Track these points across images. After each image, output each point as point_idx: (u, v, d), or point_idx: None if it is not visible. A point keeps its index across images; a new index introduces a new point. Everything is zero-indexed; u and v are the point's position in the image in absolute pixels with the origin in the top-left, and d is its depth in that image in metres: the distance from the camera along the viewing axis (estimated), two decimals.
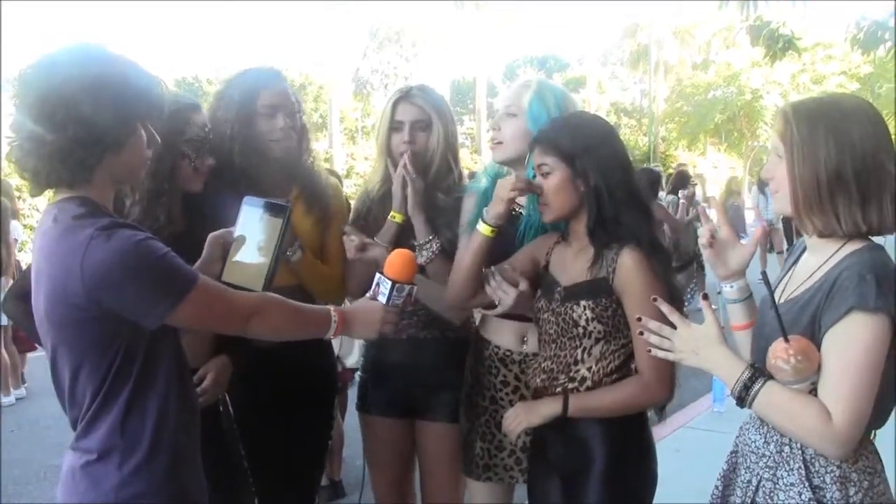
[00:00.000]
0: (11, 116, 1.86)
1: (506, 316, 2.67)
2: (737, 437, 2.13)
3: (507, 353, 2.79)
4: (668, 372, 2.34)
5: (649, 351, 2.06)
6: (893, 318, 1.76)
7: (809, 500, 1.87)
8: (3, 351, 7.57)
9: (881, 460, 1.95)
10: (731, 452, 2.14)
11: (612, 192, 2.36)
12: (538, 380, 2.48)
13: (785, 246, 13.73)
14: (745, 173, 37.32)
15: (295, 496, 3.01)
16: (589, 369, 2.38)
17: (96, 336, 1.84)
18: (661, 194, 10.63)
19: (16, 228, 8.47)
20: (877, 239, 1.92)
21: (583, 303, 2.37)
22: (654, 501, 2.47)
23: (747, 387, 1.86)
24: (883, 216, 1.86)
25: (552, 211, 2.45)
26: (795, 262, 2.09)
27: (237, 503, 2.78)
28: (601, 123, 2.56)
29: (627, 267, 2.33)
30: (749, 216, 15.79)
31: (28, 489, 5.52)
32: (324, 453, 3.12)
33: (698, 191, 14.53)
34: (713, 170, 36.92)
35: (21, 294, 2.48)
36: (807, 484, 1.88)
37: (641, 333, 2.06)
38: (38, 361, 7.74)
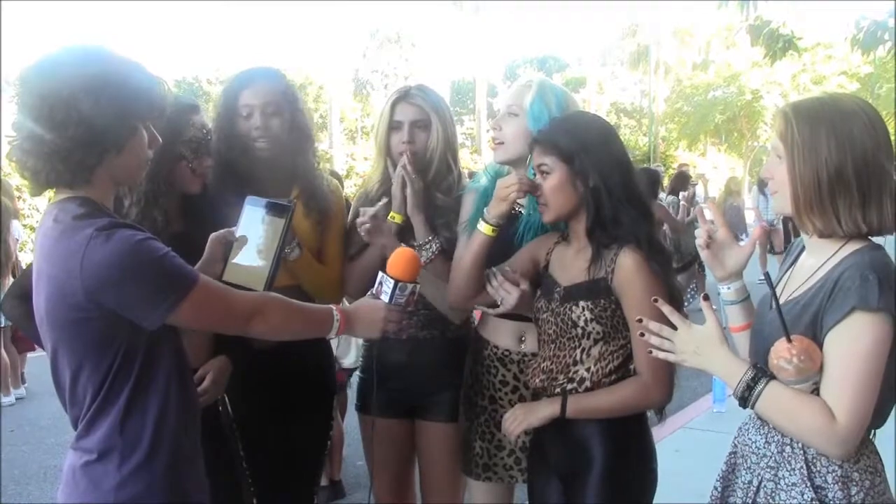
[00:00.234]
0: (13, 116, 1.86)
1: (504, 316, 2.68)
2: (735, 437, 2.13)
3: (506, 353, 2.80)
4: (667, 373, 2.34)
5: (650, 352, 2.05)
6: (895, 318, 1.76)
7: (812, 500, 1.86)
8: (3, 351, 7.57)
9: (881, 459, 1.95)
10: (730, 453, 2.13)
11: (611, 192, 2.36)
12: (537, 380, 2.48)
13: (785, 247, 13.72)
14: (745, 173, 37.32)
15: (294, 496, 3.00)
16: (588, 370, 2.38)
17: (96, 336, 1.84)
18: (662, 195, 10.63)
19: (16, 228, 8.46)
20: (876, 239, 1.92)
21: (581, 303, 2.37)
22: (654, 502, 2.47)
23: (750, 387, 1.86)
24: (883, 216, 1.86)
25: (551, 211, 2.45)
26: (794, 262, 2.09)
27: (236, 503, 2.78)
28: (601, 123, 2.56)
29: (626, 267, 2.33)
30: (749, 216, 15.78)
31: (28, 489, 5.52)
32: (323, 453, 3.11)
33: (700, 191, 14.50)
34: (713, 170, 36.89)
35: (20, 294, 2.48)
36: (809, 484, 1.87)
37: (642, 335, 2.05)
38: (37, 361, 7.75)
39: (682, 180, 11.43)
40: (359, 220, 2.76)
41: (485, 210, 2.56)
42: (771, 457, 1.96)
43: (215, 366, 2.65)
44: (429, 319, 2.94)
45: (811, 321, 1.84)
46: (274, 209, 2.34)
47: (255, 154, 2.86)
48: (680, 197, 9.79)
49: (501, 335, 2.80)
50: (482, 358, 2.85)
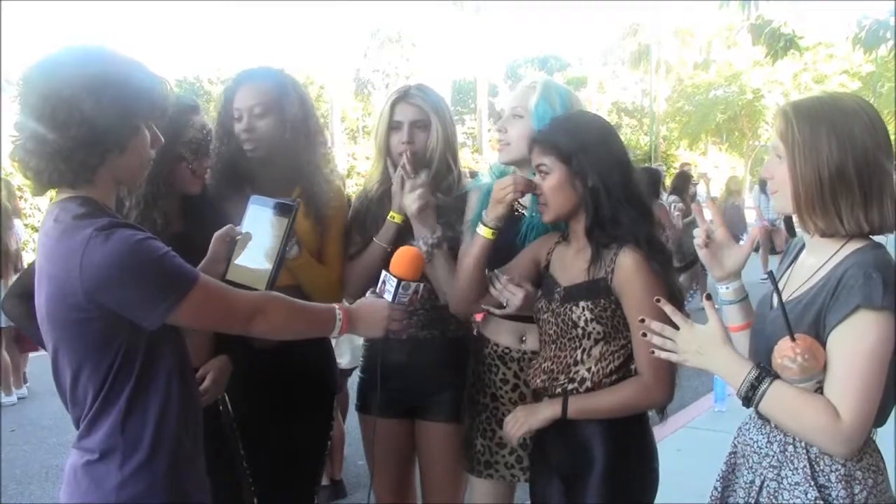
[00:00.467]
0: (15, 116, 1.86)
1: (506, 316, 2.68)
2: (735, 437, 2.13)
3: (506, 351, 2.80)
4: (668, 373, 2.33)
5: (652, 352, 2.04)
6: None
7: (815, 499, 1.86)
8: (3, 351, 7.57)
9: (883, 458, 1.95)
10: (730, 453, 2.13)
11: (610, 192, 2.35)
12: (538, 380, 2.48)
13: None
14: (746, 173, 37.33)
15: (295, 496, 3.00)
16: (588, 370, 2.38)
17: (96, 336, 1.83)
18: (663, 194, 10.62)
19: (18, 228, 8.47)
20: (877, 238, 1.92)
21: (581, 303, 2.37)
22: (656, 501, 2.46)
23: (754, 386, 1.85)
24: (884, 215, 1.86)
25: (551, 210, 2.45)
26: (793, 261, 2.09)
27: (236, 503, 2.78)
28: (600, 123, 2.55)
29: (626, 267, 2.33)
30: (751, 216, 15.77)
31: (30, 488, 5.52)
32: (324, 453, 3.11)
33: (701, 190, 14.49)
34: (714, 169, 36.88)
35: (20, 294, 2.48)
36: (812, 483, 1.87)
37: (644, 335, 2.05)
38: (39, 361, 7.75)
39: (683, 180, 11.42)
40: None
41: (483, 213, 2.57)
42: (773, 456, 1.96)
43: (215, 365, 2.65)
44: (429, 319, 2.94)
45: (814, 320, 1.84)
46: (278, 208, 2.34)
47: (250, 155, 2.87)
48: (673, 207, 9.74)
49: (502, 334, 2.80)
50: (483, 356, 2.85)
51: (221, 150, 2.89)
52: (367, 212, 3.01)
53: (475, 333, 2.97)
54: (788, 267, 2.10)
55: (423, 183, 2.79)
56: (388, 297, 2.23)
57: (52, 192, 1.95)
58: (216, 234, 2.33)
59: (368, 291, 2.41)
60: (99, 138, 1.83)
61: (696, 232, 2.20)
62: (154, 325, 1.83)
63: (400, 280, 2.22)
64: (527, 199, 2.68)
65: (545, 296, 2.50)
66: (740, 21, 10.91)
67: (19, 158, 1.86)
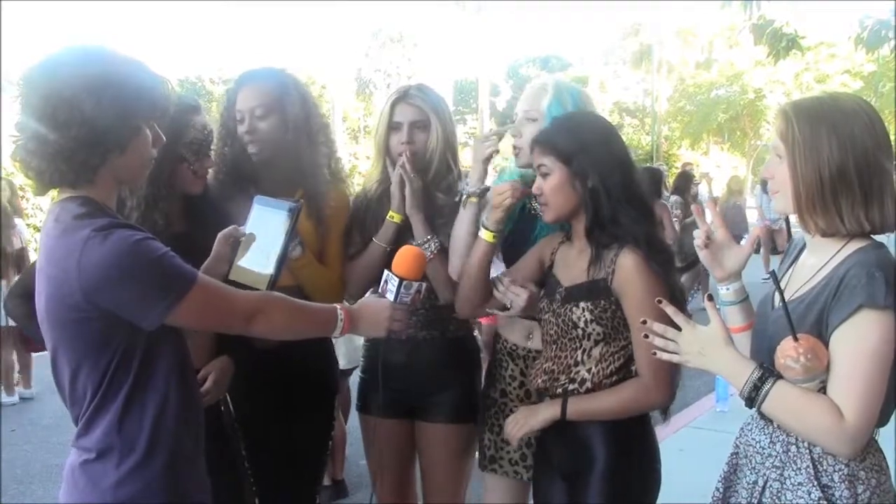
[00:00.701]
0: (16, 116, 1.86)
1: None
2: (737, 438, 2.12)
3: (514, 348, 2.83)
4: (668, 374, 2.33)
5: (654, 353, 2.04)
6: None
7: (819, 499, 1.86)
8: (3, 351, 7.57)
9: (886, 458, 1.94)
10: (732, 454, 2.13)
11: (610, 192, 2.35)
12: (540, 380, 2.48)
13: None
14: (748, 172, 37.32)
15: (296, 496, 3.00)
16: (589, 371, 2.37)
17: (94, 336, 1.83)
18: (665, 193, 10.61)
19: (21, 227, 8.46)
20: (878, 237, 1.92)
21: (582, 304, 2.37)
22: (658, 501, 2.46)
23: (757, 387, 1.85)
24: (885, 214, 1.86)
25: (551, 211, 2.45)
26: (794, 261, 2.09)
27: (238, 503, 2.78)
28: (601, 123, 2.54)
29: (626, 268, 2.32)
30: (752, 215, 15.77)
31: (32, 488, 5.52)
32: (325, 453, 3.11)
33: (703, 189, 14.48)
34: (716, 169, 36.89)
35: (22, 293, 2.48)
36: (815, 483, 1.87)
37: (646, 336, 2.04)
38: (40, 360, 7.74)
39: (685, 180, 11.41)
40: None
41: (484, 217, 2.57)
42: (776, 456, 1.95)
43: (217, 366, 2.64)
44: (428, 320, 2.94)
45: (816, 320, 1.84)
46: (282, 209, 2.34)
47: (250, 156, 2.87)
48: (674, 207, 9.72)
49: (512, 331, 2.83)
50: (496, 352, 2.90)
51: (224, 151, 2.89)
52: (366, 211, 3.01)
53: (476, 334, 2.99)
54: (790, 267, 2.09)
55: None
56: (390, 296, 2.23)
57: (53, 192, 1.94)
58: (220, 235, 2.33)
59: (369, 291, 2.41)
60: (100, 138, 1.83)
61: (696, 233, 2.19)
62: (152, 325, 1.83)
63: (402, 280, 2.22)
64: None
65: (547, 296, 2.50)
66: (742, 21, 10.90)
67: (21, 159, 1.86)
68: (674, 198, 10.30)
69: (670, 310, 2.01)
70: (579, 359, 2.39)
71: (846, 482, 1.85)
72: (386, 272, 2.27)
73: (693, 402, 6.57)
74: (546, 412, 2.42)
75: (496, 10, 41.96)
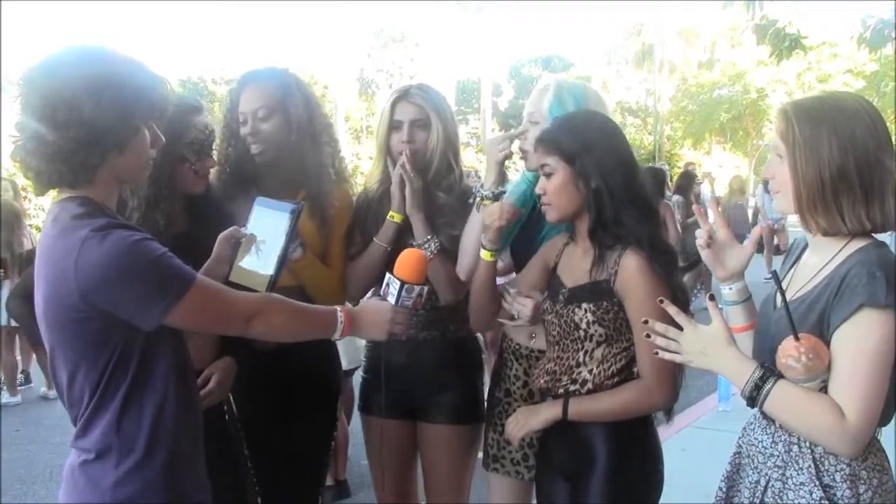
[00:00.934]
0: (16, 117, 1.86)
1: None
2: (740, 437, 2.12)
3: (517, 348, 2.83)
4: (670, 375, 2.32)
5: (656, 353, 2.03)
6: None
7: (820, 499, 1.86)
8: (4, 350, 7.58)
9: (888, 458, 1.94)
10: (735, 454, 2.13)
11: (613, 192, 2.34)
12: (542, 381, 2.48)
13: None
14: (750, 172, 37.29)
15: (299, 496, 3.00)
16: (590, 371, 2.37)
17: (92, 337, 1.83)
18: (668, 194, 10.59)
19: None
20: (879, 236, 1.92)
21: (584, 305, 2.36)
22: (661, 501, 2.46)
23: (758, 386, 1.85)
24: (886, 213, 1.86)
25: (555, 211, 2.45)
26: (796, 261, 2.09)
27: (240, 503, 2.78)
28: (605, 123, 2.52)
29: (629, 269, 2.32)
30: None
31: (34, 488, 5.53)
32: (327, 453, 3.11)
33: (706, 189, 14.47)
34: (718, 169, 36.87)
35: (24, 294, 2.49)
36: (817, 483, 1.87)
37: (648, 336, 2.04)
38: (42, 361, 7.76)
39: (687, 179, 11.40)
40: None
41: (483, 238, 2.58)
42: (778, 456, 1.95)
43: (220, 367, 2.64)
44: (429, 320, 2.93)
45: (818, 319, 1.84)
46: (283, 210, 2.34)
47: (253, 157, 2.87)
48: (676, 206, 9.70)
49: (517, 331, 2.83)
50: (503, 351, 2.90)
51: (228, 151, 2.90)
52: (367, 211, 3.01)
53: (477, 334, 2.99)
54: (792, 267, 2.09)
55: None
56: (392, 299, 2.22)
57: (53, 192, 1.94)
58: (221, 235, 2.33)
59: (370, 292, 2.41)
60: (99, 139, 1.82)
61: (698, 233, 2.19)
62: (150, 325, 1.83)
63: (404, 283, 2.21)
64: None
65: (551, 297, 2.49)
66: (745, 21, 10.90)
67: (20, 159, 1.86)
68: (676, 198, 10.28)
69: (672, 310, 2.01)
70: (581, 360, 2.39)
71: (848, 482, 1.85)
72: (388, 275, 2.27)
73: (696, 401, 6.57)
74: (547, 413, 2.42)
75: (497, 10, 41.91)
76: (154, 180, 2.50)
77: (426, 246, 2.81)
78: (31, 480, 5.66)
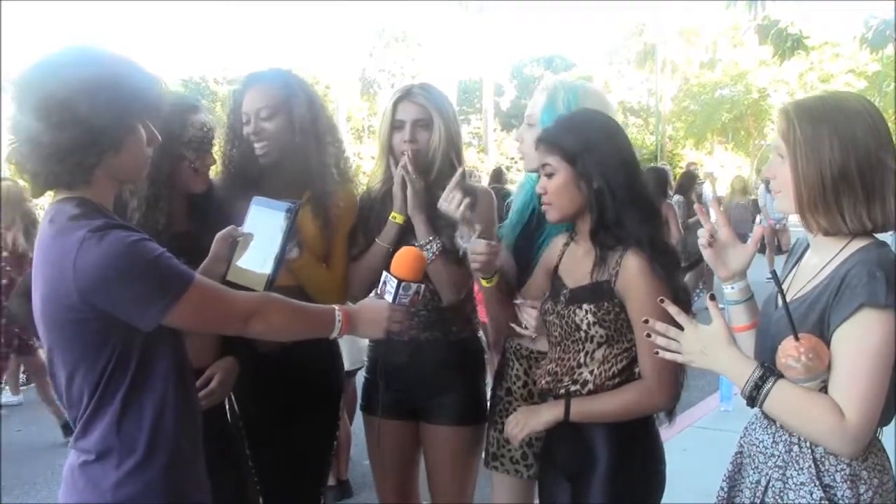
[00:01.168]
0: (10, 119, 1.86)
1: None
2: (741, 437, 2.12)
3: (518, 348, 2.84)
4: (672, 377, 2.33)
5: (656, 353, 2.04)
6: None
7: (820, 499, 1.86)
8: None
9: (889, 458, 1.94)
10: (736, 453, 2.13)
11: (615, 193, 2.34)
12: (543, 381, 2.48)
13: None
14: (751, 172, 37.27)
15: (301, 496, 3.00)
16: (591, 372, 2.37)
17: (91, 337, 1.83)
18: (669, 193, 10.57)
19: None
20: (880, 235, 1.92)
21: (585, 306, 2.36)
22: (663, 501, 2.46)
23: (758, 386, 1.85)
24: (887, 213, 1.86)
25: (555, 211, 2.44)
26: (797, 260, 2.09)
27: (241, 503, 2.78)
28: (607, 123, 2.51)
29: (630, 270, 2.31)
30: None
31: (36, 488, 5.54)
32: (329, 453, 3.11)
33: (707, 189, 14.47)
34: (720, 168, 36.87)
35: (26, 293, 2.48)
36: (817, 483, 1.87)
37: (649, 336, 2.04)
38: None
39: (689, 179, 11.39)
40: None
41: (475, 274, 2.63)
42: (779, 456, 1.95)
43: (222, 367, 2.65)
44: (431, 321, 2.93)
45: (818, 319, 1.84)
46: (279, 209, 2.34)
47: (257, 158, 2.87)
48: (678, 206, 9.68)
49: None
50: (505, 350, 2.91)
51: (232, 152, 2.91)
52: (370, 211, 3.00)
53: (480, 334, 2.99)
54: (793, 267, 2.09)
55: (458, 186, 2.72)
56: (389, 297, 2.23)
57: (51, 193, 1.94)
58: (218, 235, 2.34)
59: (373, 292, 2.41)
60: (95, 139, 1.82)
61: (700, 232, 2.19)
62: (149, 326, 1.83)
63: (400, 281, 2.22)
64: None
65: (552, 297, 2.50)
66: (747, 21, 10.89)
67: (16, 161, 1.86)
68: (677, 197, 10.27)
69: (673, 309, 2.01)
70: (582, 361, 2.39)
71: (848, 482, 1.85)
72: (385, 273, 2.27)
73: (697, 401, 6.57)
74: (548, 413, 2.42)
75: (498, 10, 41.90)
76: (153, 180, 2.49)
77: (428, 247, 2.80)
78: (32, 480, 5.67)
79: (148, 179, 2.41)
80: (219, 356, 2.66)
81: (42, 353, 5.71)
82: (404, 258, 2.26)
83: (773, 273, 1.98)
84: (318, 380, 3.00)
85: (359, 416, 3.31)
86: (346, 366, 3.44)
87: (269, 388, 2.87)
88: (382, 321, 2.21)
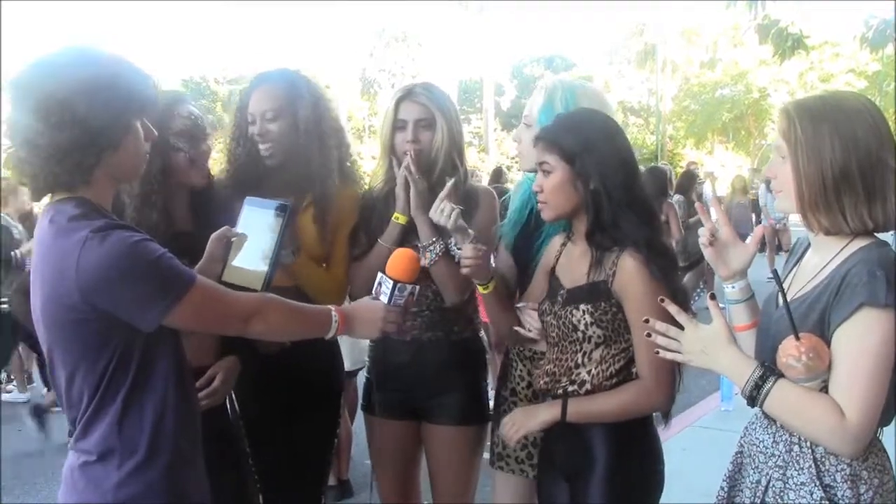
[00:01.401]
0: (7, 121, 1.85)
1: None
2: (741, 437, 2.12)
3: (521, 349, 2.84)
4: (669, 377, 2.32)
5: (657, 352, 2.04)
6: None
7: (821, 499, 1.86)
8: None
9: (889, 458, 1.94)
10: (736, 453, 2.13)
11: (612, 195, 2.33)
12: (541, 382, 2.48)
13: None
14: (752, 171, 37.27)
15: (301, 495, 3.00)
16: (589, 373, 2.37)
17: (92, 338, 1.83)
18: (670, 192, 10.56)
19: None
20: (881, 235, 1.92)
21: (582, 307, 2.36)
22: (662, 500, 2.45)
23: (758, 386, 1.85)
24: (888, 213, 1.86)
25: (551, 209, 2.44)
26: (798, 260, 2.09)
27: (241, 502, 2.78)
28: (607, 124, 2.49)
29: (627, 271, 2.31)
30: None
31: (36, 488, 5.54)
32: (330, 452, 3.11)
33: (707, 189, 14.46)
34: (721, 168, 36.87)
35: (25, 290, 2.48)
36: (818, 483, 1.87)
37: (649, 335, 2.04)
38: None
39: (689, 179, 11.38)
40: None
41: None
42: (779, 456, 1.95)
43: (224, 366, 2.65)
44: (433, 321, 2.93)
45: (818, 319, 1.84)
46: (273, 209, 2.35)
47: (261, 159, 2.88)
48: (678, 205, 9.67)
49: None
50: (508, 351, 2.92)
51: (237, 151, 2.91)
52: (372, 212, 2.99)
53: (482, 334, 3.00)
54: (794, 266, 2.09)
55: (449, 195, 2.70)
56: (384, 298, 2.24)
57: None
58: (213, 236, 2.34)
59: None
60: (93, 139, 1.83)
61: (701, 231, 2.19)
62: (151, 326, 1.83)
63: (396, 282, 2.23)
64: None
65: (549, 297, 2.49)
66: (747, 21, 10.90)
67: (14, 164, 1.86)
68: (677, 197, 10.26)
69: (673, 308, 2.01)
70: (580, 361, 2.38)
71: (848, 482, 1.85)
72: (380, 274, 2.28)
73: (698, 401, 6.58)
74: (546, 414, 2.42)
75: (498, 10, 41.93)
76: (144, 176, 2.49)
77: (431, 248, 2.80)
78: (33, 480, 5.67)
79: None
80: (219, 356, 2.66)
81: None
82: (399, 259, 2.26)
83: (775, 272, 1.98)
84: (318, 380, 3.00)
85: (360, 416, 3.31)
86: (347, 366, 3.46)
87: (269, 387, 2.88)
88: (378, 322, 2.22)
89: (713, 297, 1.99)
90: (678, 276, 2.51)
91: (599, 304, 2.34)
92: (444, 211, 2.62)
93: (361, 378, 3.41)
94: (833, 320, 1.80)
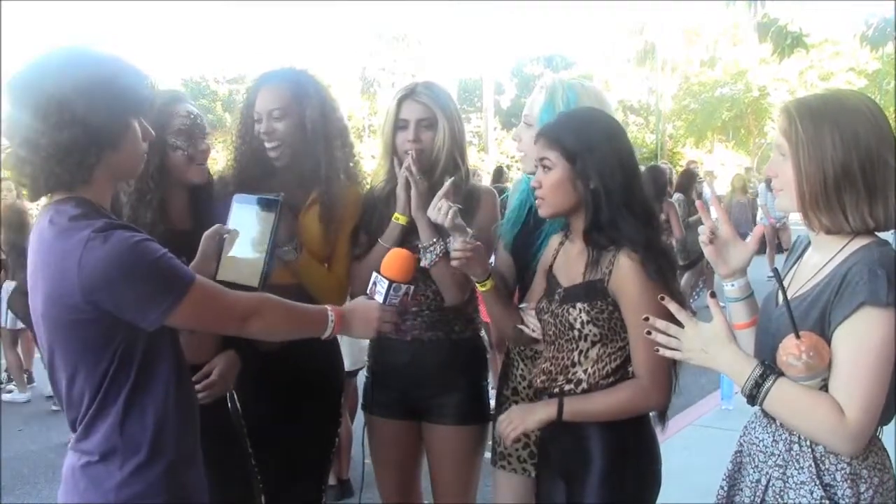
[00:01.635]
0: (5, 122, 1.85)
1: None
2: (741, 436, 2.12)
3: (521, 349, 2.84)
4: (666, 376, 2.32)
5: (657, 350, 2.04)
6: None
7: (821, 498, 1.86)
8: (7, 350, 7.60)
9: (889, 457, 1.94)
10: (736, 452, 2.13)
11: (611, 195, 2.32)
12: (538, 380, 2.48)
13: None
14: (752, 170, 37.25)
15: (302, 495, 3.00)
16: (585, 371, 2.36)
17: (93, 338, 1.84)
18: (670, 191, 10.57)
19: None
20: (881, 234, 1.92)
21: (578, 305, 2.35)
22: (662, 499, 2.45)
23: (758, 384, 1.85)
24: (889, 211, 1.86)
25: (548, 206, 2.44)
26: (799, 258, 2.09)
27: (244, 501, 2.79)
28: (609, 124, 2.49)
29: (623, 270, 2.30)
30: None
31: (37, 488, 5.54)
32: (330, 451, 3.11)
33: (706, 188, 14.46)
34: (721, 167, 36.85)
35: (26, 291, 2.49)
36: (818, 482, 1.87)
37: (649, 333, 2.04)
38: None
39: (688, 178, 11.38)
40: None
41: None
42: (779, 455, 1.95)
43: (223, 360, 2.66)
44: (433, 321, 2.93)
45: (819, 317, 1.84)
46: (262, 204, 2.35)
47: (267, 158, 2.88)
48: (678, 204, 9.67)
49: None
50: (509, 350, 2.92)
51: (242, 149, 2.91)
52: (373, 211, 2.98)
53: (482, 334, 3.00)
54: (794, 264, 2.09)
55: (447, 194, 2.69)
56: (380, 298, 2.25)
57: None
58: (205, 234, 2.36)
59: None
60: (93, 138, 1.83)
61: (701, 229, 2.19)
62: (153, 326, 1.83)
63: (391, 282, 2.23)
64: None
65: (547, 296, 2.49)
66: (746, 19, 10.91)
67: (13, 165, 1.86)
68: (677, 196, 10.27)
69: (673, 306, 2.01)
70: (576, 360, 2.38)
71: (848, 481, 1.85)
72: (375, 274, 2.29)
73: (698, 399, 6.58)
74: (542, 413, 2.42)
75: (498, 10, 41.95)
76: (139, 175, 2.49)
77: (432, 249, 2.79)
78: (33, 480, 5.67)
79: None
80: (217, 352, 2.67)
81: None
82: (395, 259, 2.27)
83: (775, 271, 1.98)
84: (319, 379, 3.00)
85: (360, 415, 3.31)
86: (347, 366, 3.46)
87: (270, 387, 2.88)
88: (373, 321, 2.24)
89: (713, 295, 1.99)
90: (676, 277, 2.51)
91: (596, 303, 2.34)
92: (441, 209, 2.62)
93: (361, 378, 3.40)
94: (833, 319, 1.80)
